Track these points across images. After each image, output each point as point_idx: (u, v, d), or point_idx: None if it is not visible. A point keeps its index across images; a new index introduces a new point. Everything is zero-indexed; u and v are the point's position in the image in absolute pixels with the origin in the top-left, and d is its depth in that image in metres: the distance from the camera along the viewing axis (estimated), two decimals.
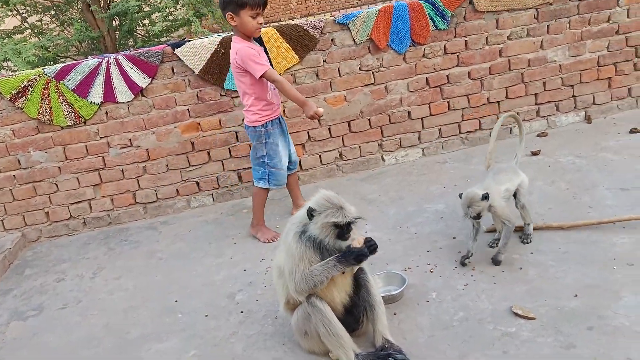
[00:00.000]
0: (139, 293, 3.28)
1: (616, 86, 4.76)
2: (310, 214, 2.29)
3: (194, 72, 4.13)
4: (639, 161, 3.80)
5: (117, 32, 9.32)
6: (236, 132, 4.34)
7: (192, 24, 7.98)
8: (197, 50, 4.09)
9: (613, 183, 3.56)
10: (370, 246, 2.28)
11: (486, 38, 4.45)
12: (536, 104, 4.69)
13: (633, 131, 4.33)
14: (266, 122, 3.53)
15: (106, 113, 4.18)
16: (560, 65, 4.61)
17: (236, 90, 4.19)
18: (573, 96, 4.72)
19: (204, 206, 4.47)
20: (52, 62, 7.28)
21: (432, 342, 2.39)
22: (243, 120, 3.72)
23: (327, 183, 4.45)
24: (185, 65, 4.11)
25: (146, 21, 9.48)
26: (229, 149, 4.36)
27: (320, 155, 4.52)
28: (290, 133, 4.41)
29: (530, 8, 4.43)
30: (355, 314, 2.44)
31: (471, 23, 4.40)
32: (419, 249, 3.20)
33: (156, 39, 8.64)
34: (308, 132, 4.44)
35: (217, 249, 3.68)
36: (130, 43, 9.57)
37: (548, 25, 4.50)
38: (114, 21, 9.09)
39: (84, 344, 2.86)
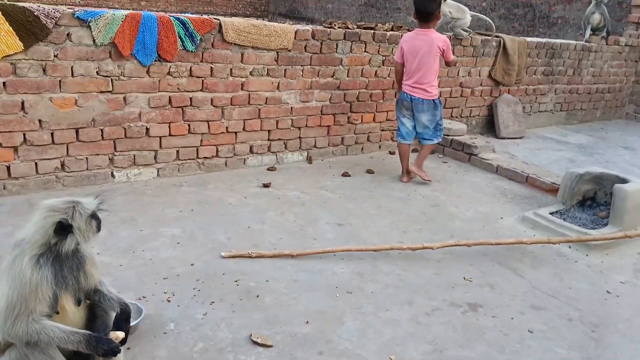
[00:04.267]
0: None
1: (333, 134, 5.44)
2: (65, 227, 1.93)
3: None
4: (350, 201, 4.38)
5: None
6: None
7: None
8: None
9: (331, 218, 4.01)
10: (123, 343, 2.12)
11: (231, 69, 4.57)
12: (269, 139, 4.99)
13: (345, 175, 4.98)
14: None
15: None
16: (292, 107, 5.03)
17: None
18: (299, 137, 5.19)
19: None
20: None
21: None
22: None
23: (43, 196, 3.81)
24: None
25: None
26: None
27: (36, 163, 3.88)
28: (1, 132, 3.75)
29: (272, 50, 4.74)
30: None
31: (219, 51, 4.46)
32: (154, 275, 2.99)
33: None
34: (24, 134, 3.77)
35: None
36: None
37: (285, 70, 4.88)
38: None
39: None
